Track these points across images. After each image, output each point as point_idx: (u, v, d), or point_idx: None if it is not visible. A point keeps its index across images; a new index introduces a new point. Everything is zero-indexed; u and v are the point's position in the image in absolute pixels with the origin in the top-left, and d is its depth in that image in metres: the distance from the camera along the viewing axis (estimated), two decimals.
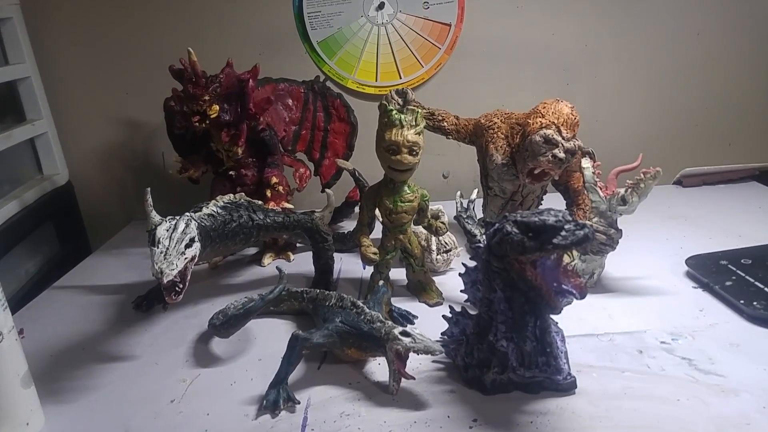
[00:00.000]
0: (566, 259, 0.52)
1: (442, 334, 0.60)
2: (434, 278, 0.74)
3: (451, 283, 0.74)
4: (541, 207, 0.80)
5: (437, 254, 0.78)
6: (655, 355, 0.57)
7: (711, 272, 0.72)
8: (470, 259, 0.58)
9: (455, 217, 0.68)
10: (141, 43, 1.02)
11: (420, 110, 0.65)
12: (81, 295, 0.79)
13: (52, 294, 0.81)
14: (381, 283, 0.68)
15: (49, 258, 1.00)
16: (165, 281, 0.55)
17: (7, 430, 0.48)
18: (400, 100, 0.77)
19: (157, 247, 0.57)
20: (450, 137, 0.87)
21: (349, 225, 0.96)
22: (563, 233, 0.47)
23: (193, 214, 0.65)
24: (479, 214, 0.86)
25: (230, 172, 0.85)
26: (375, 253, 0.68)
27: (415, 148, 0.64)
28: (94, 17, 1.01)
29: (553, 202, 0.82)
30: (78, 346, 0.66)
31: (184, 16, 1.01)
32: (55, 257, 1.00)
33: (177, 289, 0.57)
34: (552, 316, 0.53)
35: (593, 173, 0.68)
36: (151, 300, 0.73)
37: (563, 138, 0.69)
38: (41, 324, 0.71)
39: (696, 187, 1.11)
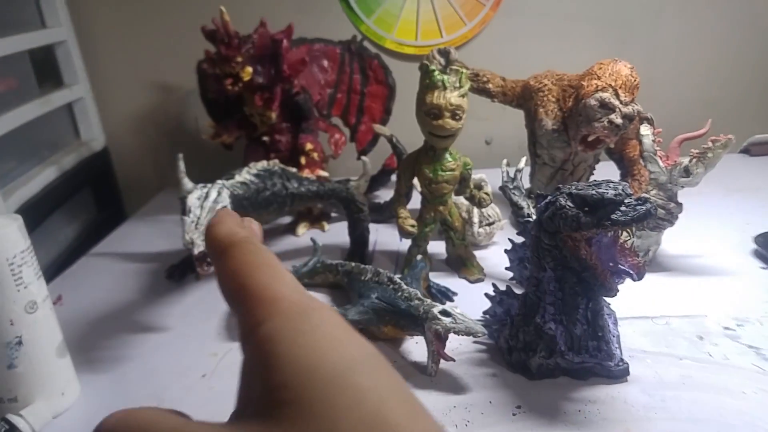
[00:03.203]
0: (623, 235, 0.47)
1: (483, 313, 0.56)
2: (475, 253, 0.71)
3: (493, 259, 0.70)
4: (593, 178, 0.75)
5: (479, 227, 0.73)
6: (718, 342, 0.52)
7: None
8: (517, 234, 0.54)
9: (501, 188, 0.64)
10: (175, 4, 0.99)
11: (464, 71, 0.60)
12: (116, 262, 0.79)
13: (88, 261, 0.81)
14: (419, 257, 0.65)
15: (87, 224, 1.00)
16: (196, 252, 0.53)
17: (43, 400, 0.48)
18: (442, 60, 0.72)
19: (189, 217, 0.55)
20: (495, 100, 0.81)
21: (385, 194, 0.93)
22: (623, 208, 0.43)
23: (225, 181, 0.63)
24: (526, 185, 0.81)
25: (264, 138, 0.83)
26: (413, 226, 0.64)
27: (458, 112, 0.60)
28: None
29: (606, 171, 0.76)
30: (112, 314, 0.66)
31: None
32: (93, 223, 1.01)
33: (209, 260, 0.55)
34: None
35: (653, 141, 0.62)
36: (183, 269, 0.72)
37: (621, 102, 0.63)
38: (78, 291, 0.71)
39: (765, 156, 1.02)
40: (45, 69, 0.96)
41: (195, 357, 0.56)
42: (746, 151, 1.03)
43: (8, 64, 0.83)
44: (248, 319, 0.18)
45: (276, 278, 0.19)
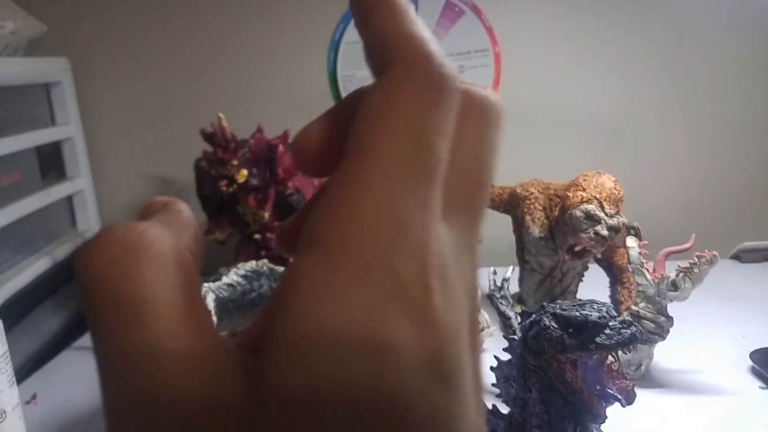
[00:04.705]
0: (609, 357, 0.46)
1: None
2: None
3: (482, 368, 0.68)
4: (580, 292, 0.75)
5: None
6: None
7: None
8: (503, 350, 0.53)
9: (488, 296, 0.63)
10: (177, 105, 1.04)
11: None
12: None
13: (69, 355, 0.79)
14: None
15: (75, 314, 0.99)
16: None
17: None
18: None
19: None
20: None
21: None
22: (607, 332, 0.43)
23: (211, 284, 0.63)
24: (515, 289, 0.80)
25: (255, 236, 0.83)
26: None
27: None
28: (136, 81, 1.04)
29: (596, 277, 0.76)
30: (87, 417, 0.63)
31: (221, 77, 1.03)
32: (81, 313, 0.99)
33: None
34: None
35: (639, 253, 0.63)
36: None
37: (606, 214, 0.64)
38: (55, 389, 0.69)
39: (757, 263, 1.02)
40: (49, 161, 0.99)
41: None
42: (737, 257, 1.03)
43: (15, 159, 0.86)
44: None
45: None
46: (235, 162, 0.75)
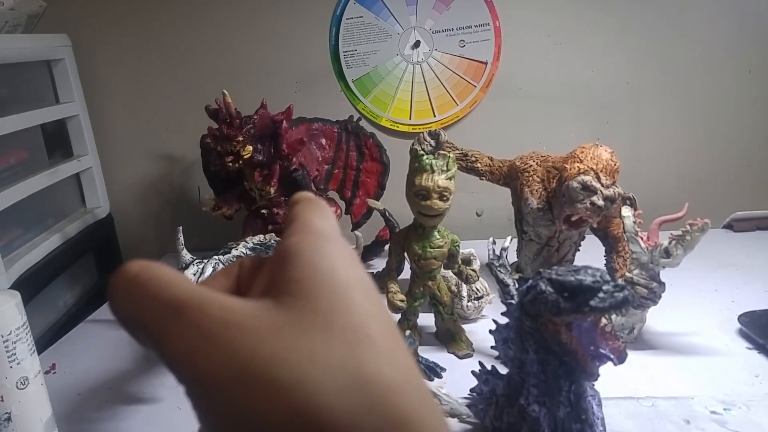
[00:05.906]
0: (603, 319, 0.48)
1: (471, 390, 0.57)
2: (465, 326, 0.72)
3: (482, 333, 0.71)
4: (577, 261, 0.78)
5: (468, 301, 0.75)
6: (705, 428, 0.53)
7: None
8: (501, 314, 0.56)
9: (487, 265, 0.66)
10: (181, 82, 1.05)
11: (452, 154, 0.64)
12: (113, 329, 0.80)
13: (85, 327, 0.82)
14: (408, 332, 0.66)
15: (88, 288, 1.02)
16: None
17: None
18: (432, 142, 0.76)
19: None
20: (483, 179, 0.85)
21: (379, 263, 0.95)
22: (601, 295, 0.45)
23: (221, 257, 0.65)
24: (514, 258, 0.83)
25: (262, 210, 0.86)
26: (402, 301, 0.66)
27: (445, 194, 0.63)
28: (139, 58, 1.04)
29: (592, 246, 0.78)
30: (105, 384, 0.66)
31: (223, 54, 1.03)
32: (93, 288, 1.02)
33: None
34: None
35: (634, 222, 0.65)
36: None
37: (602, 185, 0.66)
38: (73, 359, 0.72)
39: (749, 232, 1.04)
40: (55, 140, 1.00)
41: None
42: (729, 226, 1.06)
43: (20, 137, 0.87)
44: (286, 232, 0.22)
45: (320, 216, 0.23)
46: (240, 138, 0.76)
